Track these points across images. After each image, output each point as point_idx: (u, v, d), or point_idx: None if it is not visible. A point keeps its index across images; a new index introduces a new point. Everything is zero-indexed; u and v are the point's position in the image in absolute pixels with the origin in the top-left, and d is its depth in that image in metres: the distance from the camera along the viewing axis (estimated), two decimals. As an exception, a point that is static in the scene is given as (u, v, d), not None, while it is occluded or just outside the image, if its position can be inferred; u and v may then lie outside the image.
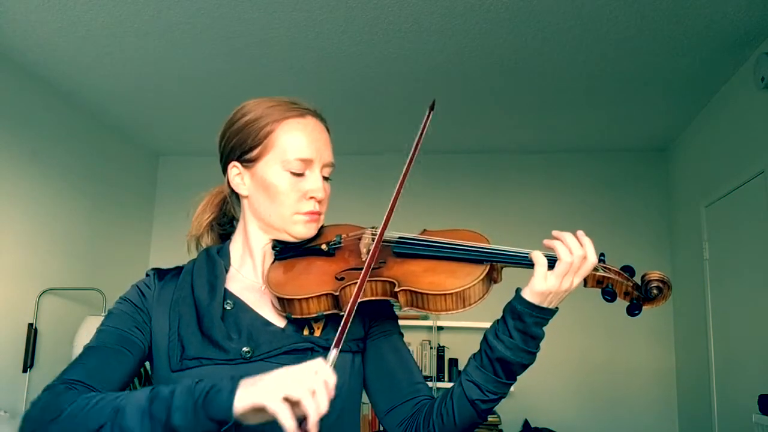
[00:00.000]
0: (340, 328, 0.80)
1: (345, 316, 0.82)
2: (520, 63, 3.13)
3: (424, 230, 1.03)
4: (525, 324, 0.88)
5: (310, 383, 0.70)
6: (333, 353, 0.76)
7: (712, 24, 2.68)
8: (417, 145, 1.00)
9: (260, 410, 0.71)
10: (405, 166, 0.98)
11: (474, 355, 0.94)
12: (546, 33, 2.81)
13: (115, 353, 0.92)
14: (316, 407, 0.69)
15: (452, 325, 4.29)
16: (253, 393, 0.71)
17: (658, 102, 3.60)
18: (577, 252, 0.87)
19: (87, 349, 0.92)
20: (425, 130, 1.02)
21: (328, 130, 1.06)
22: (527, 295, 0.88)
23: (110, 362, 0.90)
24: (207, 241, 1.12)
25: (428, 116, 1.04)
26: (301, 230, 1.01)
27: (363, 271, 0.89)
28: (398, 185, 0.96)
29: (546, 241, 0.90)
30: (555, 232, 0.90)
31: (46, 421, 0.79)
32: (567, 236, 0.89)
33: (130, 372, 0.93)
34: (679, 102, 3.58)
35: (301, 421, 0.69)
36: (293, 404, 0.69)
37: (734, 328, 3.22)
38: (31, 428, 0.80)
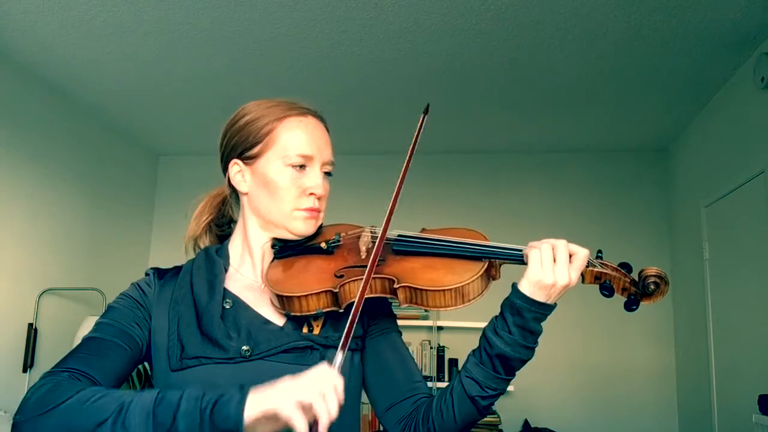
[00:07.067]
0: (346, 330, 0.80)
1: (351, 316, 0.82)
2: (520, 63, 3.13)
3: (423, 229, 1.04)
4: (524, 319, 0.88)
5: (320, 387, 0.71)
6: (339, 357, 0.76)
7: (712, 24, 2.68)
8: (413, 147, 1.01)
9: (271, 418, 0.71)
10: (402, 170, 0.98)
11: (473, 351, 0.94)
12: (546, 33, 2.81)
13: (114, 346, 0.91)
14: (327, 411, 0.70)
15: (452, 325, 4.29)
16: (265, 400, 0.71)
17: (658, 102, 3.60)
18: (547, 267, 0.87)
19: (86, 340, 0.92)
20: (420, 133, 1.03)
21: (327, 130, 1.07)
22: (524, 287, 0.88)
23: (109, 355, 0.90)
24: (205, 242, 1.12)
25: (423, 120, 1.05)
26: (301, 226, 1.01)
27: (368, 268, 0.89)
28: (397, 188, 0.96)
29: (531, 246, 0.90)
30: (532, 244, 0.90)
31: (45, 408, 0.77)
32: (544, 247, 0.88)
33: (126, 367, 0.92)
34: (679, 102, 3.58)
35: (311, 426, 0.70)
36: (304, 409, 0.70)
37: (734, 328, 3.22)
38: (28, 414, 0.77)
